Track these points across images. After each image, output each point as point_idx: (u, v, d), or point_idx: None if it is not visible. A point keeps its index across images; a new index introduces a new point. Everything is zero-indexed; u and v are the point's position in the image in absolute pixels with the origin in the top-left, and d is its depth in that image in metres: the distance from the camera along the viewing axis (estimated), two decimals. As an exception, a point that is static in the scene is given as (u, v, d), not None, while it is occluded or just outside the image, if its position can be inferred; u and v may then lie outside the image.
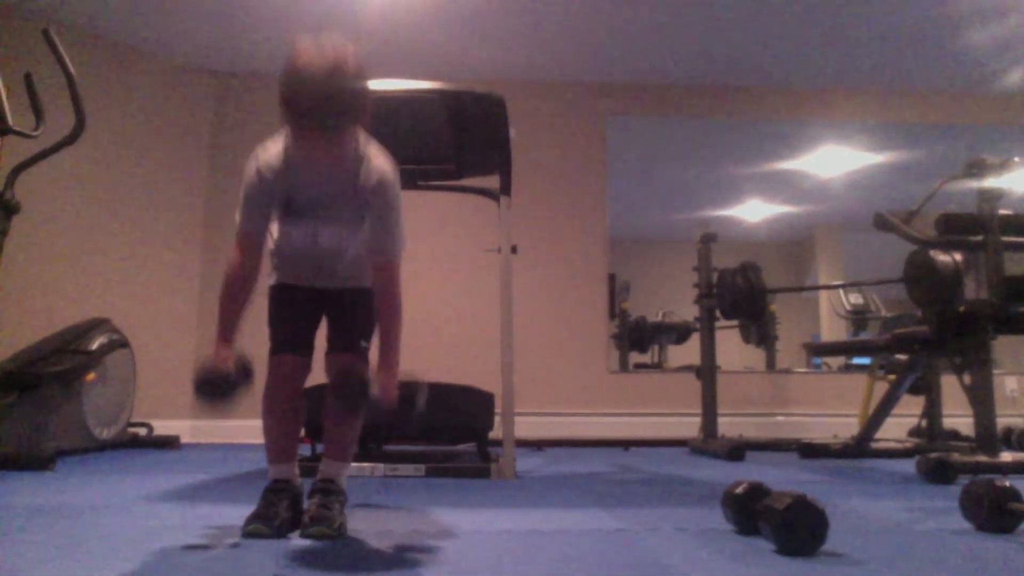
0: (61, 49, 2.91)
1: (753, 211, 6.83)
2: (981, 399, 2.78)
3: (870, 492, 2.40)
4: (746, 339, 5.89)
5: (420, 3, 4.25)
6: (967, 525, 1.69)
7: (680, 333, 6.12)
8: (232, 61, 4.92)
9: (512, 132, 5.07)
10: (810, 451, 3.67)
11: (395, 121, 3.08)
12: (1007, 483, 1.66)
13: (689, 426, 4.34)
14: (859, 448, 3.63)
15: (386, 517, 1.87)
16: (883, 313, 6.02)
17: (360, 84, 1.48)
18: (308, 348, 1.74)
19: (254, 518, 1.57)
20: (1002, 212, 2.81)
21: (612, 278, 6.53)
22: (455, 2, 4.27)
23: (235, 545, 1.46)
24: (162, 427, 4.16)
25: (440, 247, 4.88)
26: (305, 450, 2.84)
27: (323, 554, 1.41)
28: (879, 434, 3.82)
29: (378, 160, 1.62)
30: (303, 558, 1.37)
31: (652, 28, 4.60)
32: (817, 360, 5.91)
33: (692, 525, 1.75)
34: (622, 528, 1.73)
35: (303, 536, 1.55)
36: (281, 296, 1.78)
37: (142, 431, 3.97)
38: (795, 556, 1.39)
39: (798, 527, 1.42)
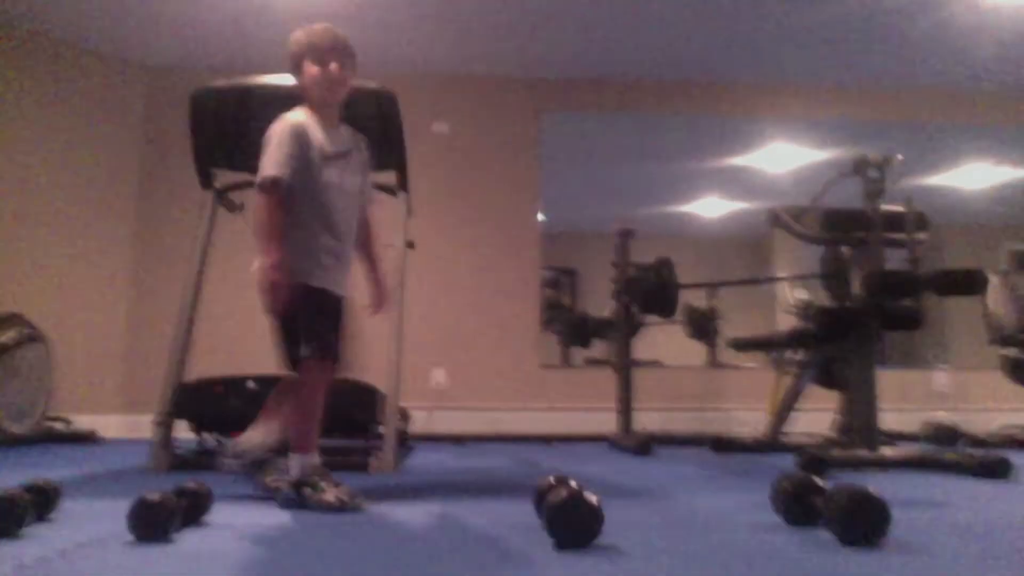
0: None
1: (711, 207, 6.84)
2: (863, 394, 2.80)
3: (730, 487, 2.41)
4: (690, 335, 5.91)
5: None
6: (780, 520, 1.70)
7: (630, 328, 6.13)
8: (166, 56, 4.91)
9: (445, 127, 5.11)
10: (722, 445, 3.69)
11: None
12: (812, 478, 1.67)
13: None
14: (770, 443, 3.65)
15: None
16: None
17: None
18: None
19: (354, 495, 1.87)
20: (885, 208, 2.82)
21: (572, 273, 6.55)
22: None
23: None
24: (90, 422, 4.16)
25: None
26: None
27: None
28: (801, 428, 3.86)
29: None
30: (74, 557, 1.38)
31: (589, 22, 4.61)
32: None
33: (506, 519, 1.76)
34: (405, 520, 1.75)
35: None
36: (328, 302, 2.00)
37: (60, 425, 3.98)
38: (569, 549, 1.40)
39: (570, 521, 1.43)
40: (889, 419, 4.60)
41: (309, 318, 1.95)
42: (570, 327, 5.95)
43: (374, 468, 2.67)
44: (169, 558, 1.34)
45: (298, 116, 2.03)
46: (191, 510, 1.63)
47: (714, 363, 5.65)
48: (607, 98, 5.42)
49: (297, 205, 1.98)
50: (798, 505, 1.65)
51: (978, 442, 4.03)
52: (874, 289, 2.55)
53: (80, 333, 4.43)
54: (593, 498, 1.45)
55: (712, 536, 1.59)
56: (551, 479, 1.67)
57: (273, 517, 1.80)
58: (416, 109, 4.96)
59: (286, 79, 2.99)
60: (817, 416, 4.05)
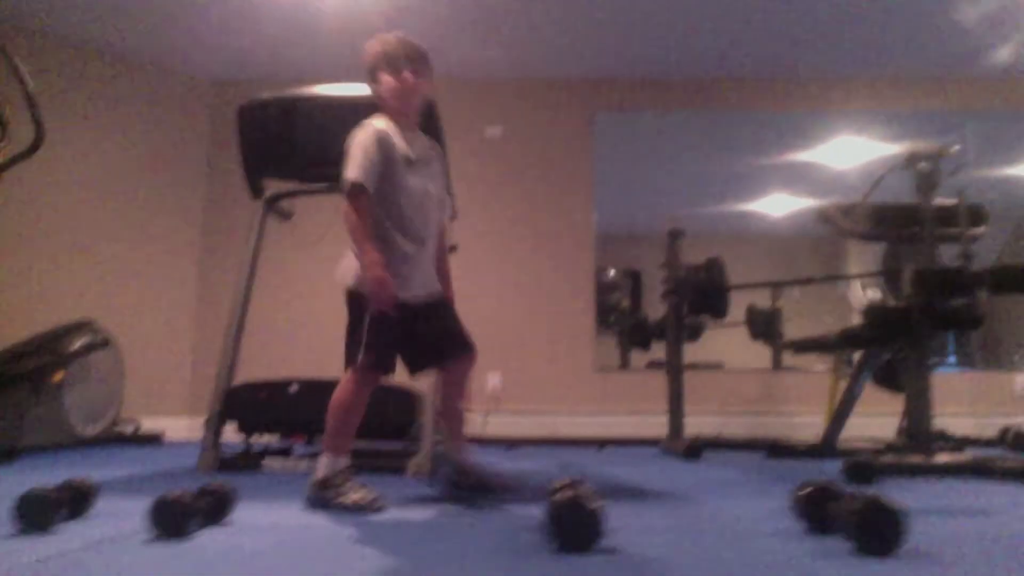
0: (18, 64, 3.08)
1: (778, 205, 6.67)
2: (916, 397, 2.68)
3: (767, 493, 2.33)
4: (753, 336, 5.77)
5: (403, 2, 4.32)
6: (802, 527, 1.65)
7: (691, 330, 6.03)
8: (228, 69, 5.10)
9: (498, 130, 5.14)
10: (777, 451, 3.59)
11: (334, 124, 3.16)
12: (833, 485, 1.62)
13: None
14: (825, 448, 3.52)
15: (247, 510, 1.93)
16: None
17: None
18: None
19: (375, 497, 1.91)
20: (938, 202, 2.70)
21: (636, 275, 6.49)
22: (437, 1, 4.33)
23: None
24: (159, 424, 4.35)
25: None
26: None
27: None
28: (866, 433, 3.76)
29: None
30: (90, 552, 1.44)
31: (644, 21, 4.57)
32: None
33: (521, 522, 1.76)
34: (421, 521, 1.76)
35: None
36: (398, 313, 1.99)
37: (130, 428, 4.17)
38: (570, 553, 1.39)
39: (570, 525, 1.41)
40: (966, 424, 4.42)
41: (370, 327, 1.98)
42: (628, 330, 5.90)
43: (411, 471, 2.70)
44: (182, 555, 1.40)
45: (379, 123, 2.07)
46: (213, 509, 1.69)
47: (778, 366, 5.50)
48: (665, 97, 5.35)
49: (377, 211, 2.02)
50: (817, 513, 1.59)
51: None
52: (921, 287, 2.44)
53: (149, 339, 4.64)
54: (594, 502, 1.43)
55: (724, 542, 1.55)
56: (561, 482, 1.67)
57: (296, 518, 1.84)
58: (468, 114, 5.03)
59: (330, 89, 3.10)
60: (885, 421, 3.90)
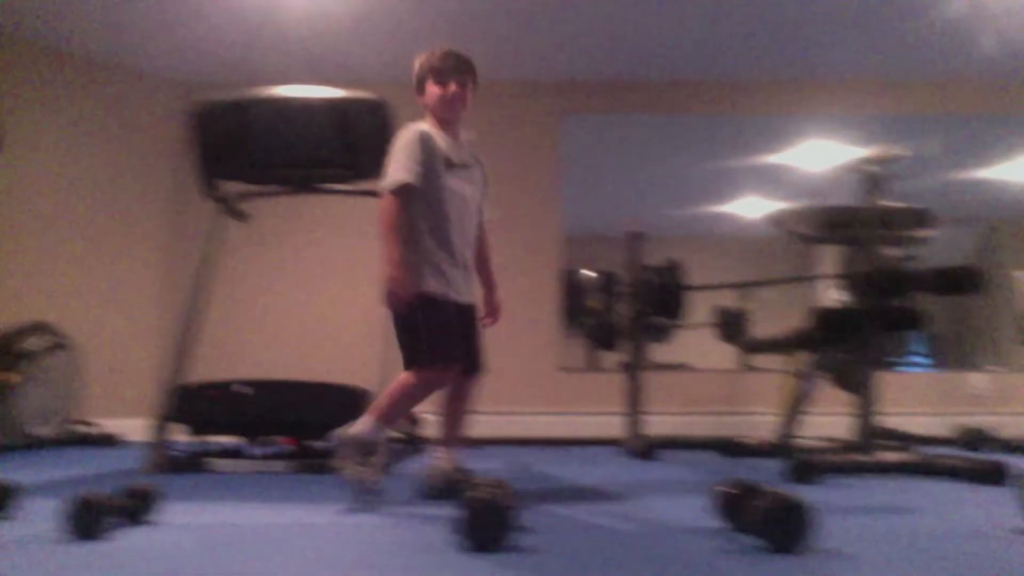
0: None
1: (751, 207, 6.71)
2: (861, 397, 2.71)
3: (702, 491, 2.34)
4: (722, 337, 5.80)
5: (369, 7, 4.30)
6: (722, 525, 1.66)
7: (657, 331, 6.04)
8: (196, 71, 5.06)
9: (473, 134, 5.13)
10: (731, 450, 3.61)
11: (287, 126, 3.15)
12: (752, 483, 1.63)
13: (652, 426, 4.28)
14: (780, 447, 3.55)
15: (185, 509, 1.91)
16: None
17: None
18: None
19: (374, 482, 1.98)
20: (883, 204, 2.73)
21: (611, 276, 6.50)
22: (403, 2, 4.31)
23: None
24: (118, 425, 4.30)
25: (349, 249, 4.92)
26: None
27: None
28: (824, 432, 3.79)
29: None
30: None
31: (612, 23, 4.57)
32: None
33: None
34: (340, 522, 1.76)
35: None
36: (443, 309, 2.08)
37: (85, 429, 4.13)
38: (479, 552, 1.40)
39: (478, 524, 1.42)
40: (929, 422, 4.46)
41: (421, 325, 2.03)
42: (594, 331, 5.92)
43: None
44: (89, 554, 1.39)
45: (423, 125, 2.13)
46: (136, 509, 1.68)
47: (745, 366, 5.54)
48: (634, 99, 5.35)
49: (420, 211, 2.06)
50: (737, 511, 1.60)
51: (1008, 446, 3.86)
52: (862, 288, 2.46)
53: (113, 340, 4.60)
54: (506, 501, 1.44)
55: (639, 540, 1.56)
56: (481, 483, 1.67)
57: (224, 517, 1.84)
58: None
59: (283, 91, 3.08)
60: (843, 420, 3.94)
